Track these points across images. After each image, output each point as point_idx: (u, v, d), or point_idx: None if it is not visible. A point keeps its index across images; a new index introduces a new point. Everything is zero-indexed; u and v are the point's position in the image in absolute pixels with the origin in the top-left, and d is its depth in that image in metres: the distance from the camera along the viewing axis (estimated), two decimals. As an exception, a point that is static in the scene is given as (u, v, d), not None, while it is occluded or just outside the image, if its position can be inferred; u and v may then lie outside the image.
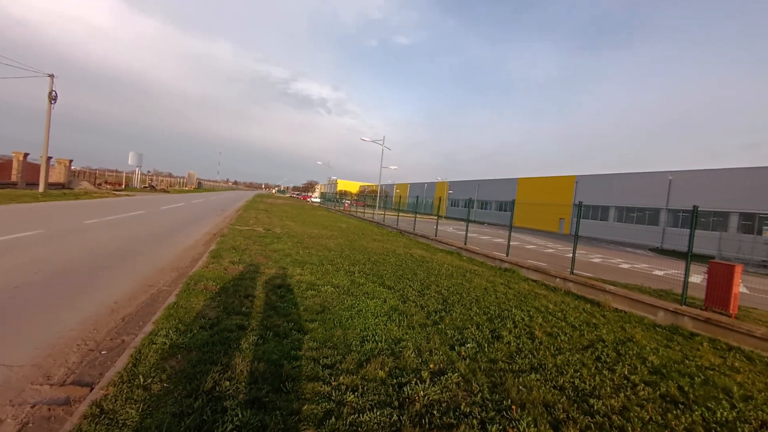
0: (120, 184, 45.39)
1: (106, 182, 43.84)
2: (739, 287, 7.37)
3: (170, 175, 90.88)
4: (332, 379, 3.50)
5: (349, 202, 49.73)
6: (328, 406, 3.04)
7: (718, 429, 3.45)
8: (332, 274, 7.96)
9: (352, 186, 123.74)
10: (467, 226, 16.85)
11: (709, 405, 3.89)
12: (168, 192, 48.13)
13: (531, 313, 6.66)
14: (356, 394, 3.28)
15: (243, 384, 3.23)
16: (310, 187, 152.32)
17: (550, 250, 20.43)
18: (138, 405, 2.78)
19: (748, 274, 18.72)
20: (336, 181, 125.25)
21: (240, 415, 2.76)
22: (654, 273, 14.86)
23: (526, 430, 3.02)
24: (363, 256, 10.90)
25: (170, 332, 4.10)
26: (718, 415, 3.70)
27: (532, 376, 4.07)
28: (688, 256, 7.72)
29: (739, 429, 3.48)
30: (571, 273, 10.03)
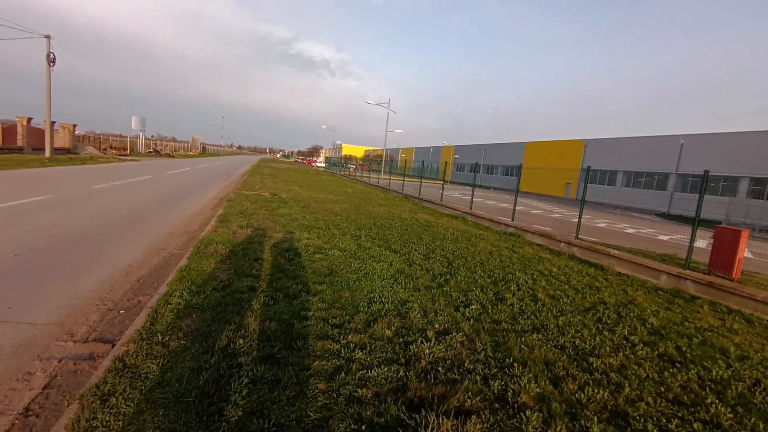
0: (125, 149, 45.29)
1: (111, 147, 43.77)
2: (744, 252, 7.39)
3: (174, 140, 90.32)
4: (341, 337, 3.64)
5: (354, 166, 49.35)
6: (337, 363, 3.19)
7: (713, 386, 3.58)
8: (339, 238, 8.07)
9: (357, 150, 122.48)
10: (473, 191, 16.78)
11: (705, 364, 4.02)
12: (173, 157, 48.05)
13: (535, 277, 6.77)
14: (364, 351, 3.42)
15: (256, 342, 3.38)
16: (314, 151, 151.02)
17: (556, 215, 20.40)
18: (158, 360, 2.94)
19: (754, 239, 18.66)
20: (341, 145, 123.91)
21: (255, 370, 2.91)
22: (659, 238, 14.87)
23: (527, 385, 3.16)
24: (369, 221, 10.98)
25: (184, 293, 4.25)
26: (714, 373, 3.83)
27: (534, 336, 4.20)
28: (695, 221, 7.69)
29: (732, 386, 3.61)
30: (576, 237, 10.07)
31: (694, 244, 7.76)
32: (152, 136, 69.35)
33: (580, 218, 10.42)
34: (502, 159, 59.42)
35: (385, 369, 3.15)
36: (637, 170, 38.97)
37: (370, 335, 3.76)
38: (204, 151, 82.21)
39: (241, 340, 3.33)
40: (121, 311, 4.06)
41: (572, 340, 4.23)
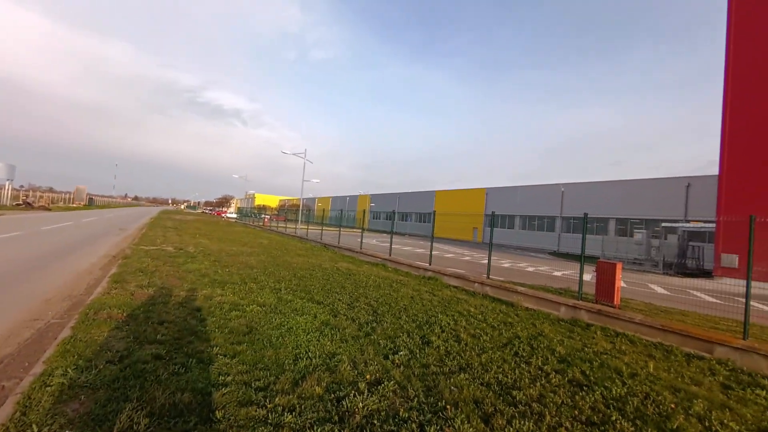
0: (-17, 202, 37.94)
1: (-37, 199, 36.32)
2: (620, 281, 8.67)
3: (51, 190, 78.46)
4: (267, 401, 3.34)
5: (268, 216, 47.71)
6: (265, 430, 2.89)
7: (615, 404, 4.01)
8: (257, 293, 7.59)
9: (271, 200, 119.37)
10: (391, 238, 17.30)
11: (606, 384, 4.50)
12: (49, 210, 41.46)
13: (455, 318, 7.06)
14: (294, 413, 3.17)
15: (165, 419, 2.92)
16: (224, 201, 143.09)
17: (467, 258, 21.86)
18: (33, 459, 2.36)
19: (624, 270, 22.06)
20: (254, 195, 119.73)
21: (166, 454, 2.50)
22: (554, 274, 16.75)
23: (461, 427, 3.20)
24: (288, 272, 10.56)
25: (68, 370, 3.55)
26: (614, 392, 4.30)
27: (462, 375, 4.32)
28: (582, 258, 8.87)
29: (630, 402, 4.08)
30: (488, 278, 10.86)
31: (584, 278, 8.89)
32: (21, 186, 59.21)
33: (489, 260, 11.32)
34: (415, 206, 62.82)
35: (319, 430, 2.95)
36: (531, 214, 44.23)
37: (299, 395, 3.51)
38: (91, 203, 72.53)
39: (147, 420, 2.86)
40: (-24, 403, 3.22)
41: (495, 375, 4.43)
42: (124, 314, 5.47)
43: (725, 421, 3.85)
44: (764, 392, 4.76)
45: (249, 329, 5.28)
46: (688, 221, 28.69)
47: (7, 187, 42.65)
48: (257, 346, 4.65)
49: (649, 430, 3.50)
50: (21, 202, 44.01)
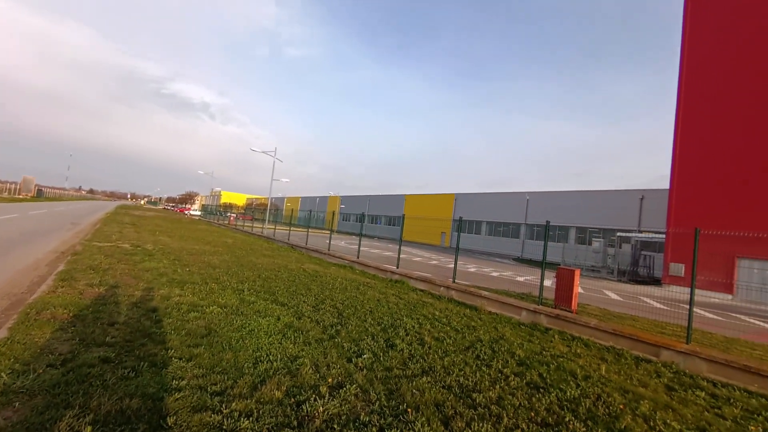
0: None
1: None
2: (578, 288, 9.06)
3: (-5, 180, 72.74)
4: (223, 406, 3.22)
5: (234, 215, 46.32)
6: (219, 437, 2.78)
7: (569, 405, 4.16)
8: (218, 294, 7.33)
9: (238, 198, 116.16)
10: (360, 240, 17.25)
11: (562, 386, 4.66)
12: (-8, 201, 38.40)
13: (420, 321, 7.12)
14: (251, 419, 3.07)
15: (111, 427, 2.75)
16: (188, 198, 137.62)
17: (435, 262, 22.14)
18: (-45, 473, 2.15)
19: (582, 276, 23.07)
20: (220, 192, 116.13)
21: (108, 464, 2.34)
22: (517, 279, 17.27)
23: (421, 430, 3.21)
24: (253, 273, 10.29)
25: (2, 375, 3.28)
26: (568, 394, 4.46)
27: (424, 379, 4.35)
28: (543, 264, 9.19)
29: (582, 403, 4.24)
30: (453, 282, 11.03)
31: (545, 283, 9.21)
32: (-39, 175, 54.53)
33: (455, 264, 11.51)
34: (385, 210, 63.03)
35: (276, 436, 2.87)
36: (497, 221, 45.45)
37: (258, 399, 3.41)
38: (40, 195, 67.78)
39: (89, 428, 2.68)
40: None
41: (457, 378, 4.49)
42: (71, 314, 5.12)
43: (668, 420, 4.08)
44: (703, 393, 5.10)
45: (208, 331, 5.08)
46: (641, 231, 30.43)
47: (-58, 175, 39.11)
48: (216, 349, 4.48)
49: (599, 430, 3.66)
50: (-41, 192, 40.51)
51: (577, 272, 8.88)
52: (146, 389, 3.31)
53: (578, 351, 6.46)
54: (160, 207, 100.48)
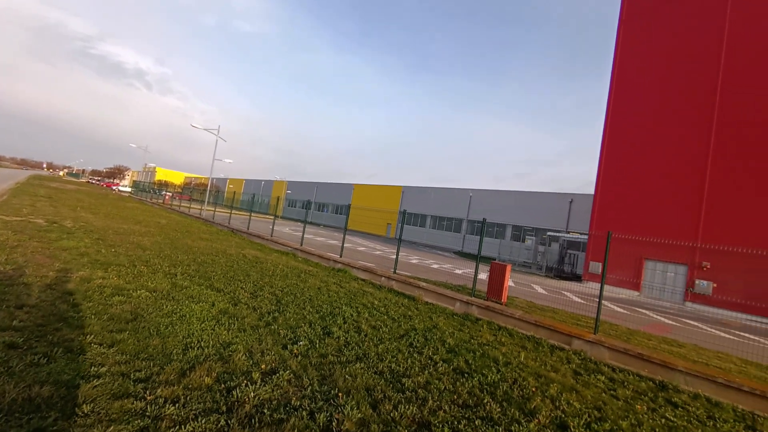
0: None
1: None
2: (509, 281, 9.75)
3: None
4: (147, 393, 3.12)
5: (170, 194, 43.33)
6: (141, 423, 2.71)
7: (488, 389, 4.54)
8: (147, 277, 6.93)
9: (175, 176, 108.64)
10: (304, 227, 17.03)
11: (484, 372, 5.06)
12: None
13: (359, 309, 7.28)
14: (177, 405, 3.02)
15: (17, 415, 2.56)
16: (117, 172, 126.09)
17: (378, 252, 22.48)
18: None
19: (515, 271, 24.72)
20: (155, 168, 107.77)
21: (13, 454, 2.20)
22: (456, 272, 18.10)
23: (350, 413, 3.35)
24: (187, 257, 9.81)
25: None
26: (489, 378, 4.86)
27: (358, 365, 4.50)
28: (477, 258, 9.76)
29: (500, 387, 4.65)
30: (394, 272, 11.34)
31: (480, 276, 9.80)
32: None
33: (397, 255, 11.82)
34: (332, 198, 62.47)
35: (203, 421, 2.85)
36: (441, 215, 47.00)
37: (185, 386, 3.34)
38: (-69, 158, 58.21)
39: (-9, 417, 2.48)
40: None
41: (389, 364, 4.71)
42: (-31, 295, 4.59)
43: (571, 401, 4.61)
44: (603, 377, 5.79)
45: (134, 316, 4.83)
46: (568, 232, 33.15)
47: None
48: (142, 335, 4.28)
49: (513, 410, 4.05)
50: None
51: (509, 267, 9.54)
52: (59, 376, 3.11)
53: (503, 340, 7.01)
54: (84, 180, 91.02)
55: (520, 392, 4.59)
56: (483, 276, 13.66)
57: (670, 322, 13.35)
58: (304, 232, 16.52)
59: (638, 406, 4.86)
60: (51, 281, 5.72)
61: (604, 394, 5.08)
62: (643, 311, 15.26)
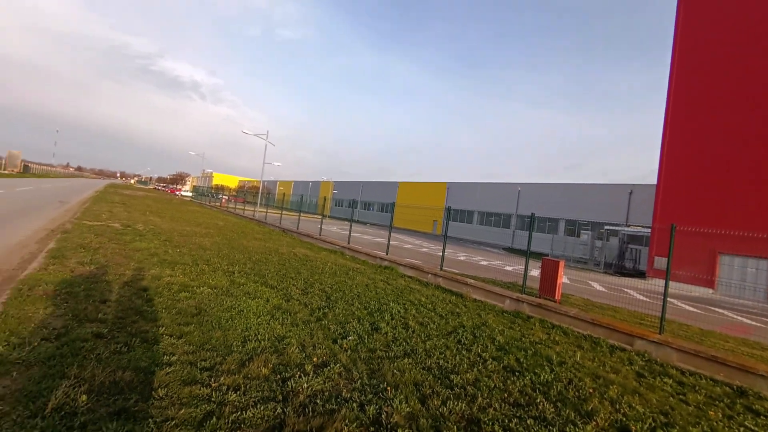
0: None
1: None
2: (562, 278, 9.33)
3: (-20, 155, 71.22)
4: (212, 380, 3.39)
5: (226, 197, 46.05)
6: (208, 408, 2.95)
7: (541, 388, 4.40)
8: (209, 275, 7.46)
9: (230, 180, 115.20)
10: (351, 226, 17.39)
11: (536, 371, 4.91)
12: (-22, 176, 37.71)
13: (406, 306, 7.34)
14: (238, 392, 3.25)
15: (105, 396, 2.90)
16: (179, 179, 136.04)
17: (425, 249, 22.41)
18: (-43, 434, 2.30)
19: (569, 268, 23.55)
20: (211, 174, 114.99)
21: (103, 428, 2.50)
22: (505, 268, 17.61)
23: (399, 406, 3.42)
24: (243, 256, 10.41)
25: (-1, 347, 3.40)
26: (542, 377, 4.71)
27: (405, 360, 4.56)
28: (527, 254, 9.44)
29: (554, 386, 4.49)
30: (441, 269, 11.27)
31: (531, 273, 9.48)
32: (-55, 148, 53.14)
33: (443, 252, 11.73)
34: (377, 196, 63.08)
35: (262, 408, 3.05)
36: (488, 211, 45.84)
37: (245, 375, 3.59)
38: (27, 171, 66.51)
39: (84, 396, 2.83)
40: None
41: (437, 361, 4.71)
42: (63, 291, 5.22)
43: (633, 404, 4.35)
44: (671, 381, 5.40)
45: (198, 311, 5.23)
46: (628, 225, 30.98)
47: (-74, 147, 38.10)
48: (205, 328, 4.64)
49: (568, 410, 3.90)
50: (-57, 165, 39.60)
51: (562, 263, 9.14)
52: (138, 363, 3.46)
53: (556, 338, 6.74)
54: (151, 187, 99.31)
55: (576, 393, 4.40)
56: (534, 273, 13.18)
57: (752, 322, 12.08)
58: (350, 231, 16.87)
59: (712, 413, 4.48)
60: (128, 279, 6.34)
61: (671, 399, 4.74)
62: (719, 310, 13.93)
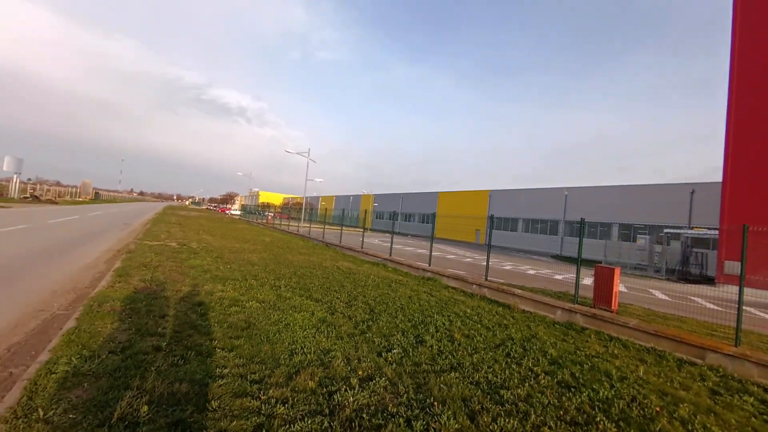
0: (-8, 194, 38.44)
1: (-28, 191, 36.82)
2: (619, 287, 8.73)
3: (59, 184, 79.43)
4: (261, 393, 3.47)
5: (272, 214, 47.92)
6: (258, 420, 3.02)
7: (600, 405, 4.10)
8: (257, 289, 7.74)
9: (275, 198, 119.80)
10: (392, 238, 17.41)
11: (594, 387, 4.59)
12: (56, 203, 42.01)
13: (451, 318, 7.17)
14: (286, 405, 3.30)
15: (164, 407, 3.06)
16: (228, 198, 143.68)
17: (468, 260, 21.92)
18: (38, 441, 2.50)
19: (626, 275, 22.02)
20: (258, 192, 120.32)
21: (162, 439, 2.63)
22: (554, 277, 16.77)
23: (447, 423, 3.31)
24: (289, 270, 10.71)
25: (73, 359, 3.71)
26: (601, 394, 4.39)
27: (452, 374, 4.43)
28: (578, 262, 8.94)
29: (616, 404, 4.17)
30: (486, 280, 10.94)
31: (583, 282, 8.96)
32: (29, 180, 59.95)
33: (488, 262, 11.41)
34: (418, 207, 62.85)
35: (309, 421, 3.07)
36: (534, 218, 44.12)
37: (292, 388, 3.64)
38: (97, 198, 73.23)
39: (146, 407, 3.00)
40: (-15, 387, 3.38)
41: (485, 375, 4.54)
42: (127, 307, 5.62)
43: (708, 425, 3.93)
44: (752, 399, 4.83)
45: (248, 324, 5.42)
46: (691, 228, 28.56)
47: (14, 180, 43.15)
48: (255, 341, 4.79)
49: (632, 431, 3.59)
50: (28, 195, 44.55)
51: (617, 270, 8.56)
52: (193, 375, 3.63)
53: (615, 351, 6.28)
54: (203, 207, 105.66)
55: (641, 411, 4.05)
56: (587, 281, 12.45)
57: None
58: (392, 243, 16.89)
59: (806, 437, 3.95)
60: (183, 294, 6.72)
61: (754, 419, 4.24)
62: (807, 320, 12.35)
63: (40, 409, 2.85)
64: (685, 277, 22.82)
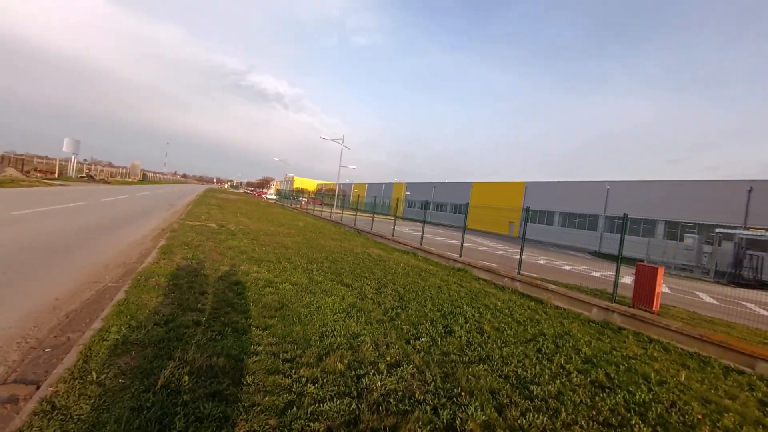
0: (52, 173, 41.53)
1: (35, 170, 39.95)
2: (661, 287, 8.29)
3: (111, 165, 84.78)
4: (293, 372, 3.59)
5: (306, 199, 48.90)
6: (289, 398, 3.14)
7: (637, 409, 3.94)
8: (290, 272, 7.96)
9: (309, 184, 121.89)
10: (423, 227, 17.33)
11: (631, 389, 4.41)
12: (109, 183, 44.84)
13: (481, 310, 7.09)
14: (316, 385, 3.40)
15: (203, 378, 3.24)
16: (265, 183, 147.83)
17: (501, 252, 21.50)
18: (93, 401, 2.73)
19: (670, 275, 20.87)
20: (293, 178, 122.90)
21: (201, 408, 2.79)
22: (591, 274, 16.16)
23: (474, 413, 3.30)
24: (321, 255, 10.93)
25: (122, 328, 3.98)
26: (637, 397, 4.22)
27: (481, 366, 4.39)
28: (619, 260, 8.55)
29: (653, 408, 4.00)
30: (518, 273, 10.70)
31: (622, 280, 8.57)
32: (85, 160, 64.32)
33: (521, 255, 11.13)
34: (450, 197, 62.05)
35: (338, 402, 3.16)
36: (572, 212, 42.46)
37: (322, 369, 3.75)
38: (144, 179, 77.44)
39: (186, 377, 3.18)
40: (47, 349, 3.71)
41: (515, 369, 4.47)
42: (171, 283, 5.96)
43: (756, 437, 3.70)
44: (808, 413, 4.48)
45: (281, 305, 5.60)
46: (747, 228, 26.51)
47: (72, 161, 46.37)
48: (287, 322, 4.94)
49: (670, 437, 3.44)
50: (84, 175, 47.80)
51: (661, 270, 8.12)
52: (230, 351, 3.81)
53: (655, 354, 6.00)
54: (241, 191, 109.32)
55: (681, 418, 3.87)
56: (626, 280, 11.89)
57: None
58: (423, 232, 16.82)
59: None
60: (222, 274, 7.03)
61: (808, 435, 3.93)
62: None
63: (93, 372, 3.10)
64: (737, 281, 21.31)
